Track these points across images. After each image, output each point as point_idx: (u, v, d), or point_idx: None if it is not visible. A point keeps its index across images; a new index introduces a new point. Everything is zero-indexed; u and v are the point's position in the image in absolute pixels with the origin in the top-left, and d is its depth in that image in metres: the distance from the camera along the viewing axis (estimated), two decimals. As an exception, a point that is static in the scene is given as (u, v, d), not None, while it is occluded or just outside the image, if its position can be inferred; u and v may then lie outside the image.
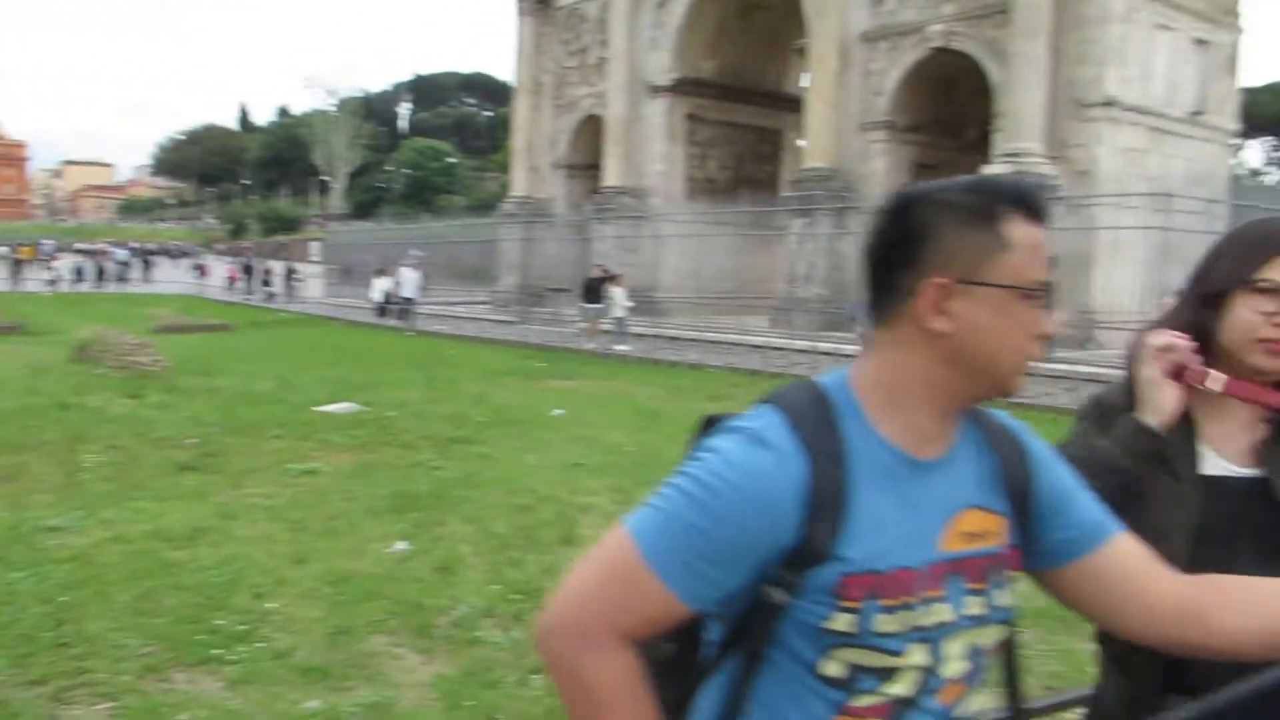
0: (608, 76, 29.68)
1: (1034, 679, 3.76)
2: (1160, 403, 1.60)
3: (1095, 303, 18.38)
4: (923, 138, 23.89)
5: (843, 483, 1.15)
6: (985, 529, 1.24)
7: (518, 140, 33.53)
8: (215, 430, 9.51)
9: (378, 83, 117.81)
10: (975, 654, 1.23)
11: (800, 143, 26.60)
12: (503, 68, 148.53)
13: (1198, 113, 21.86)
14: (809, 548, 1.14)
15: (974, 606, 1.22)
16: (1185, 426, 1.63)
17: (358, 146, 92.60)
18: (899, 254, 1.21)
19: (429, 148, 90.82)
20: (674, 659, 1.27)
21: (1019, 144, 19.14)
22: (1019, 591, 1.29)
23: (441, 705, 3.87)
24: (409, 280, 26.68)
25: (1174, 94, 21.25)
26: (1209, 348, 1.63)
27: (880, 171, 22.90)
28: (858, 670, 1.17)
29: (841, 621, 1.15)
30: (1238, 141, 63.07)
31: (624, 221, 27.94)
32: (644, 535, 1.16)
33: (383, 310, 28.22)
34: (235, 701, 3.88)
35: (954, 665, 1.21)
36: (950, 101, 23.58)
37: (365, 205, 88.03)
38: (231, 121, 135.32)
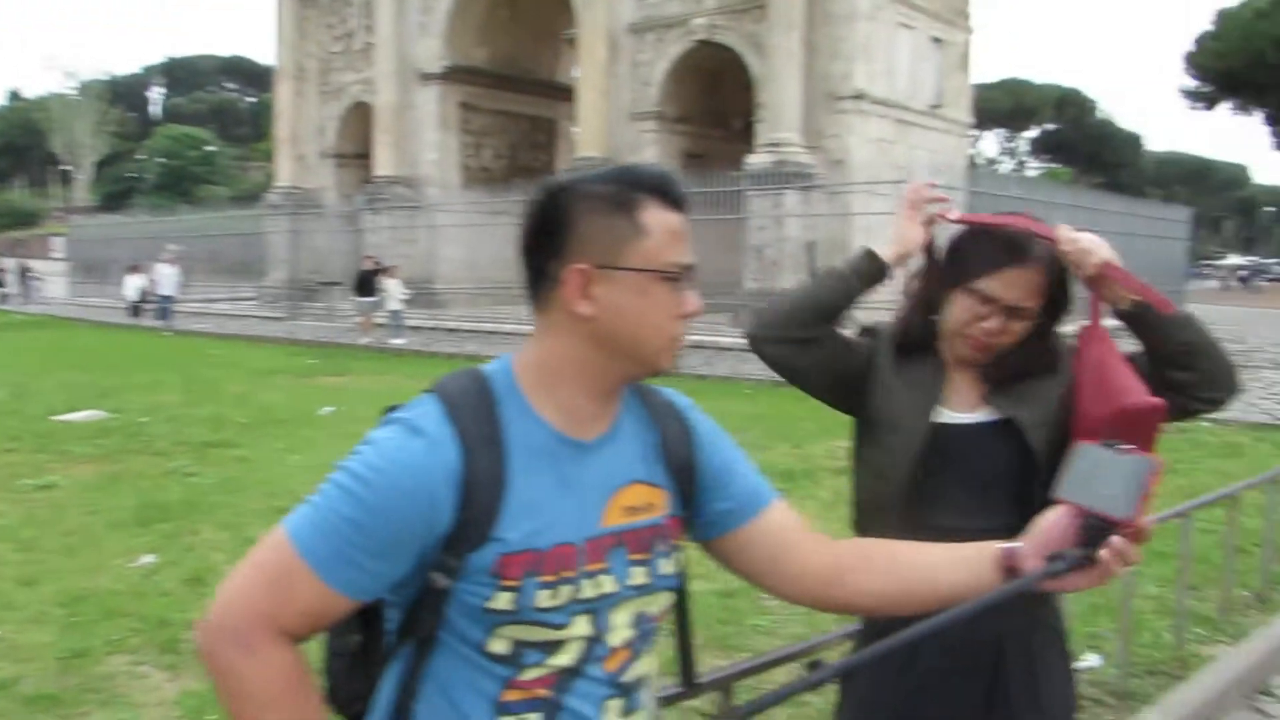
0: (375, 63, 28.81)
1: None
2: (902, 237, 1.83)
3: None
4: (691, 128, 24.60)
5: (499, 466, 1.17)
6: (647, 502, 1.29)
7: (282, 128, 31.99)
8: (-67, 446, 8.62)
9: (125, 65, 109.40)
10: (642, 621, 1.28)
11: (575, 131, 26.77)
12: (264, 51, 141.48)
13: (937, 106, 23.57)
14: (465, 532, 1.15)
15: (638, 576, 1.26)
16: (931, 385, 1.81)
17: (104, 134, 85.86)
18: (545, 242, 1.24)
19: (186, 135, 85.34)
20: (360, 649, 1.27)
21: (779, 134, 20.02)
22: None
23: (186, 723, 3.67)
24: (167, 277, 25.22)
25: (916, 88, 22.81)
26: (935, 323, 1.83)
27: (652, 160, 23.35)
28: (522, 645, 1.19)
29: (503, 600, 1.17)
30: (974, 133, 68.41)
31: (398, 212, 27.26)
32: (299, 533, 1.16)
33: (136, 309, 26.49)
34: (-54, 742, 3.54)
35: (620, 634, 1.25)
36: (716, 93, 24.38)
37: (116, 197, 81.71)
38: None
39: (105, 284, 35.93)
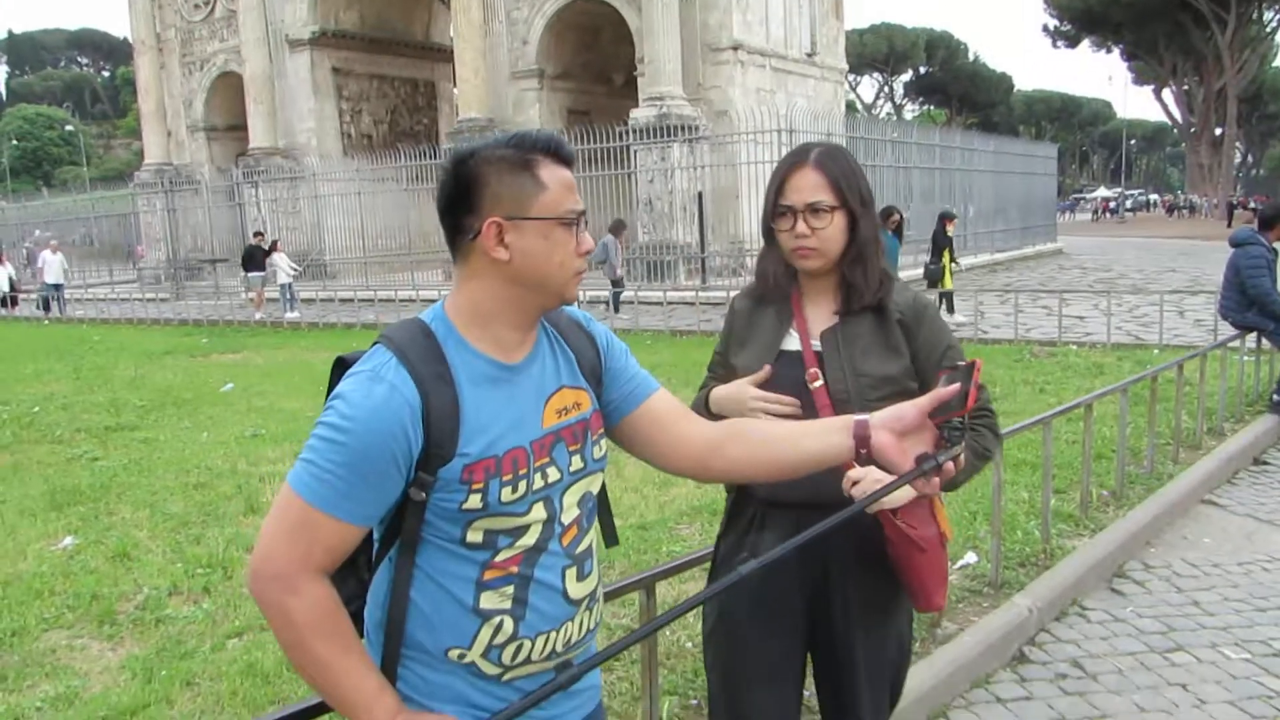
0: (241, 30, 27.93)
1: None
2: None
3: (744, 233, 19.95)
4: (573, 85, 24.62)
5: (452, 396, 1.44)
6: (574, 402, 1.59)
7: (146, 103, 30.77)
8: None
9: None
10: (586, 500, 1.60)
11: (456, 92, 26.49)
12: (116, 21, 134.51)
13: (812, 54, 24.09)
14: (434, 452, 1.42)
15: (576, 463, 1.58)
16: (776, 323, 2.12)
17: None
18: (461, 202, 1.49)
19: (40, 115, 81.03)
20: (349, 560, 1.51)
21: (661, 88, 20.24)
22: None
23: (135, 682, 3.81)
24: (52, 264, 24.15)
25: (791, 37, 23.27)
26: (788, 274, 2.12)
27: (535, 119, 23.36)
28: (493, 534, 1.48)
29: (473, 500, 1.45)
30: (851, 78, 69.54)
31: (279, 184, 26.65)
32: (303, 486, 1.39)
33: (5, 300, 25.26)
34: (-104, 722, 3.62)
35: (570, 513, 1.56)
36: (596, 48, 24.42)
37: (-31, 183, 77.42)
38: None
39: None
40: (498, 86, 23.57)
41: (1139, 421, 6.62)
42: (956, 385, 1.50)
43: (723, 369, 2.22)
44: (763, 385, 2.05)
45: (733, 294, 11.22)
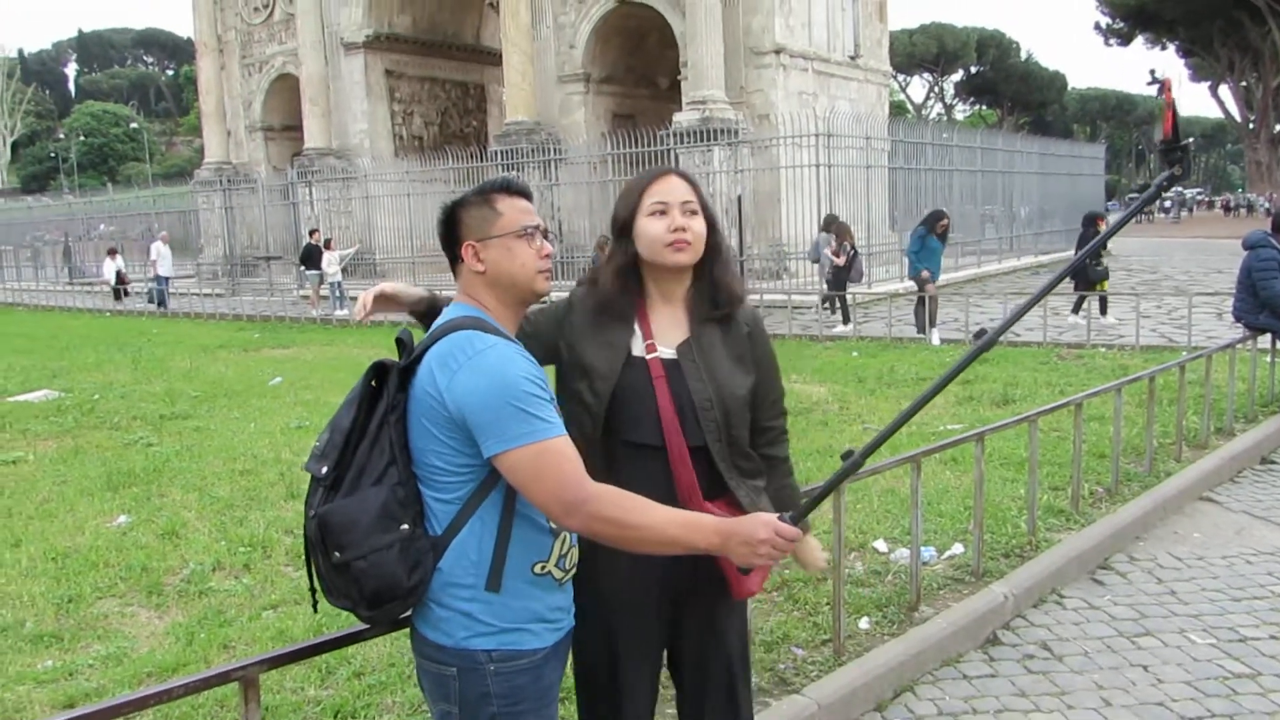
0: (298, 33, 28.66)
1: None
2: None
3: (784, 236, 20.15)
4: (618, 88, 24.94)
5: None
6: None
7: (208, 103, 31.70)
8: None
9: (34, 40, 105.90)
10: None
11: (505, 95, 26.96)
12: (181, 22, 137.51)
13: (855, 57, 24.17)
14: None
15: None
16: (628, 320, 2.21)
17: (20, 112, 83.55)
18: (450, 237, 2.06)
19: (107, 112, 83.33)
20: (408, 536, 1.88)
21: (704, 92, 20.47)
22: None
23: (178, 645, 4.20)
24: (164, 257, 24.38)
25: (834, 40, 23.38)
26: (638, 263, 2.20)
27: (581, 122, 23.73)
28: None
29: None
30: (900, 79, 68.89)
31: (332, 184, 27.34)
32: (547, 431, 1.83)
33: (118, 293, 25.23)
34: (-34, 673, 4.04)
35: None
36: (641, 52, 24.71)
37: (39, 178, 79.70)
38: None
39: (35, 266, 35.59)
40: (545, 90, 23.97)
41: (1143, 421, 6.79)
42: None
43: (534, 339, 2.21)
44: (612, 390, 2.17)
45: (766, 297, 11.29)
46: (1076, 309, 13.96)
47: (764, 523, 1.86)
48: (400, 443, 1.91)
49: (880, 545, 4.94)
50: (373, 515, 1.86)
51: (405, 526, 1.87)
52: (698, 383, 2.16)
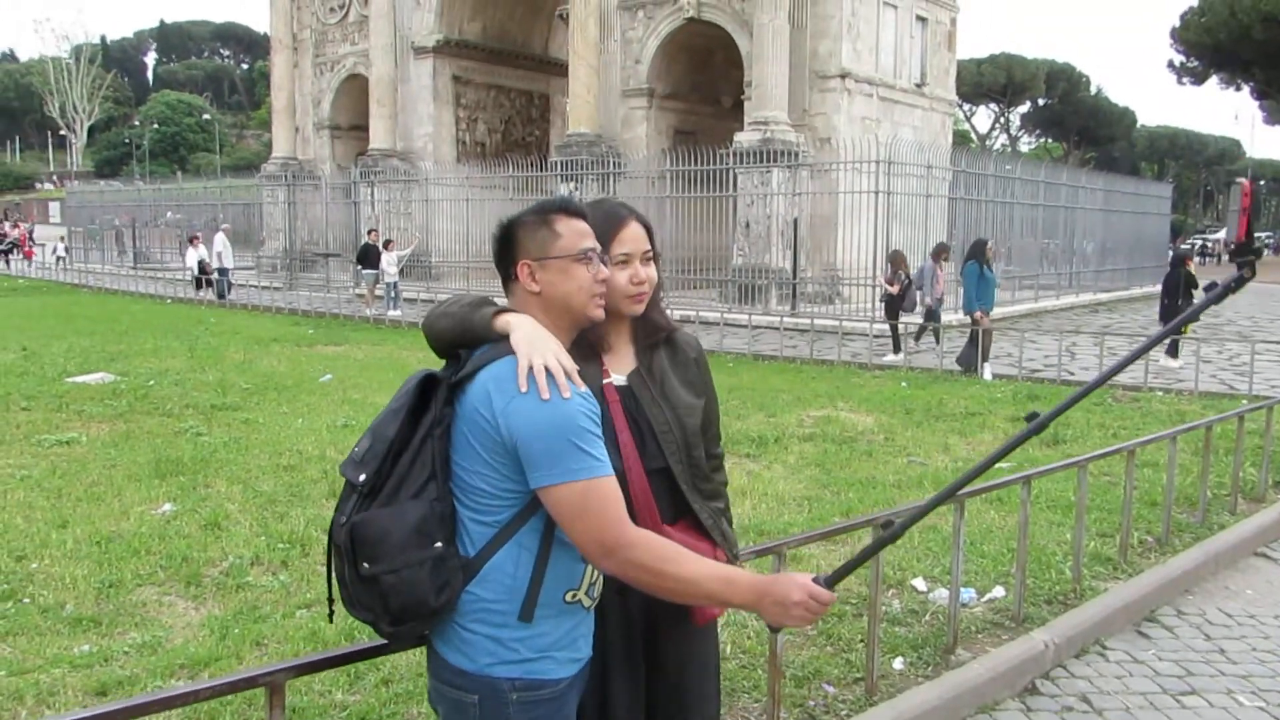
0: (370, 35, 29.10)
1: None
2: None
3: (839, 261, 20.00)
4: (681, 105, 24.98)
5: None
6: None
7: (279, 99, 32.30)
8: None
9: (118, 28, 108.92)
10: None
11: (568, 106, 27.15)
12: (258, 17, 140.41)
13: (921, 84, 23.99)
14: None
15: None
16: (592, 360, 2.22)
17: (99, 98, 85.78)
18: (504, 255, 2.01)
19: (181, 101, 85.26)
20: (440, 555, 1.85)
21: (766, 112, 20.42)
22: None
23: (212, 639, 4.24)
24: (227, 248, 24.80)
25: (900, 67, 23.23)
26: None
27: (642, 137, 23.81)
28: None
29: None
30: (965, 108, 68.12)
31: (393, 185, 27.67)
32: (596, 469, 1.80)
33: (199, 283, 25.25)
34: (4, 651, 4.11)
35: None
36: (706, 70, 24.73)
37: (112, 162, 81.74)
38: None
39: (105, 250, 36.47)
40: (608, 103, 24.08)
41: (1197, 470, 6.62)
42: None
43: None
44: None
45: (817, 322, 11.14)
46: (1174, 352, 13.66)
47: (799, 585, 1.85)
48: (442, 458, 1.87)
49: (919, 583, 4.86)
50: (408, 530, 1.82)
51: (439, 544, 1.83)
52: (654, 407, 2.20)
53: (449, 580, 1.84)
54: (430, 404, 1.89)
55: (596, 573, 1.98)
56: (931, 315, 15.18)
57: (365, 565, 1.84)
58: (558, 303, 1.95)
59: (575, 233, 1.97)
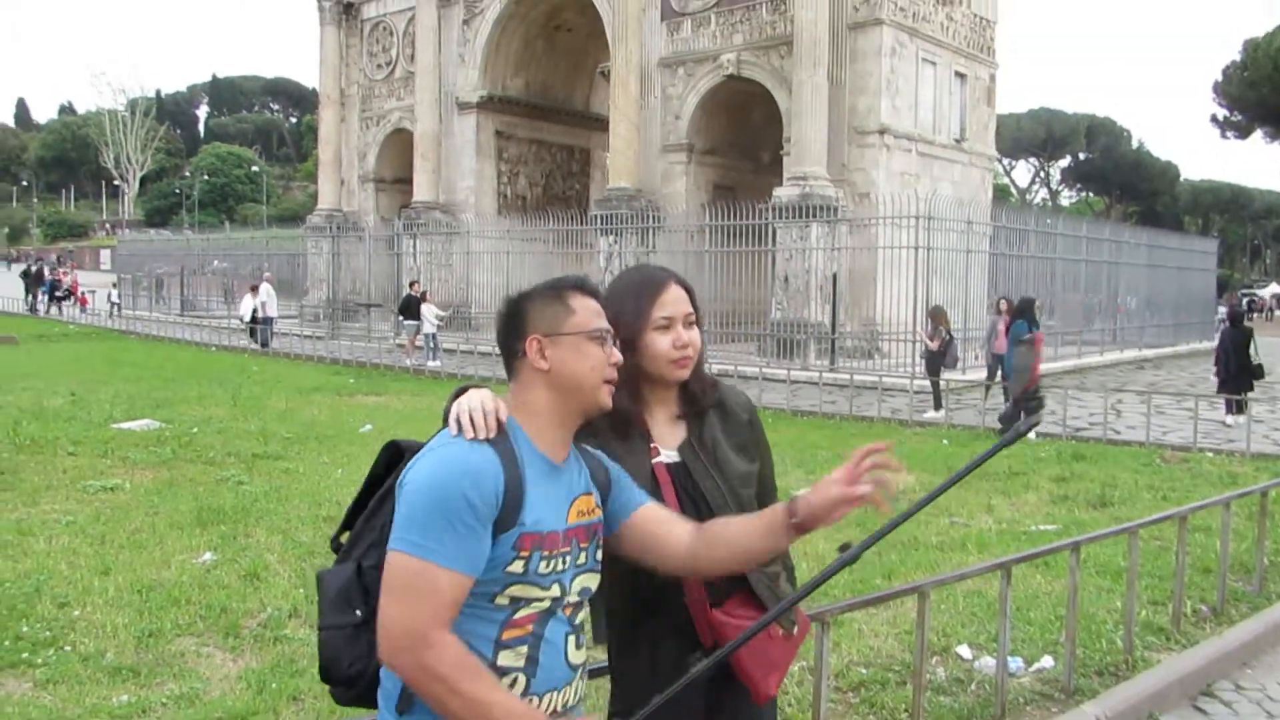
0: (416, 91, 29.74)
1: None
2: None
3: (878, 316, 19.92)
4: (720, 160, 25.19)
5: (520, 477, 1.78)
6: (590, 507, 1.92)
7: (325, 152, 33.03)
8: (2, 447, 9.33)
9: (171, 82, 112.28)
10: (585, 591, 1.91)
11: (609, 158, 27.45)
12: (307, 73, 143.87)
13: (960, 140, 24.01)
14: (503, 518, 1.74)
15: (582, 558, 1.88)
16: (639, 437, 2.18)
17: (152, 149, 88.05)
18: (513, 329, 1.89)
19: (231, 153, 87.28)
20: (360, 622, 1.78)
21: (806, 168, 20.53)
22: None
23: (249, 692, 4.23)
24: (272, 297, 25.12)
25: (940, 122, 23.28)
26: (640, 374, 2.15)
27: (681, 192, 23.99)
28: (516, 600, 1.78)
29: (516, 565, 1.76)
30: (1005, 163, 68.17)
31: (435, 237, 28.06)
32: (448, 560, 1.68)
33: (254, 331, 25.15)
34: (45, 699, 4.13)
35: (573, 596, 1.87)
36: (746, 126, 24.95)
37: (162, 212, 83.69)
38: (7, 118, 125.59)
39: (154, 297, 37.19)
40: (648, 158, 24.33)
41: (1253, 536, 6.44)
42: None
43: None
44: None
45: (856, 378, 11.06)
46: (1240, 409, 13.29)
47: None
48: (390, 526, 1.80)
49: (964, 651, 4.75)
50: (333, 593, 1.81)
51: (359, 613, 1.78)
52: (708, 480, 2.14)
53: (362, 653, 1.78)
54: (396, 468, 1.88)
55: (529, 687, 1.80)
56: (998, 369, 14.92)
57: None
58: (566, 382, 1.84)
59: (590, 311, 1.88)
